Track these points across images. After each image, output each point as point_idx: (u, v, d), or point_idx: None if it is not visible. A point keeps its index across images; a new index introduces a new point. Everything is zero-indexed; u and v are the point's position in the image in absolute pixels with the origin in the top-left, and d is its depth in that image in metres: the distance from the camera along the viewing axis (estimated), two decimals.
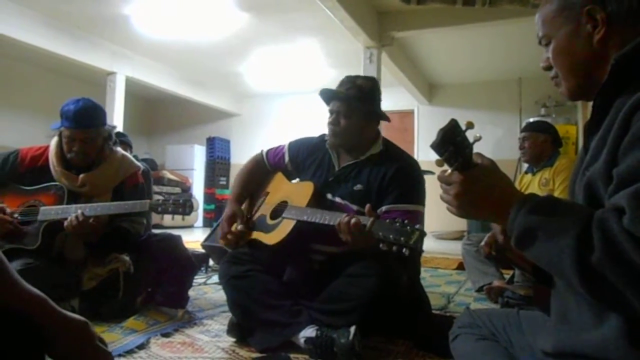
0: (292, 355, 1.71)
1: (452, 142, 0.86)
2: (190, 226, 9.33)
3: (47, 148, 2.31)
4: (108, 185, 2.28)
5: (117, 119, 7.21)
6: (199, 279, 3.27)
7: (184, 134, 10.46)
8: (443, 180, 0.92)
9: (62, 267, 2.16)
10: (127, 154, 2.45)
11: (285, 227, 1.93)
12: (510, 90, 7.95)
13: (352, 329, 1.65)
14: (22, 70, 7.96)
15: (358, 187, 1.99)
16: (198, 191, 9.69)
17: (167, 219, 8.51)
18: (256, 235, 2.03)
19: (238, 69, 8.23)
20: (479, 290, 2.99)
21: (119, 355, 1.67)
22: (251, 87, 9.45)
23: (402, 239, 1.43)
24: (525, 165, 3.36)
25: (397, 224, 1.48)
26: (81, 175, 2.21)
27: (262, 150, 2.34)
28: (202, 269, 3.69)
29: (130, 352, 1.72)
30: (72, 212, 2.06)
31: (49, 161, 2.26)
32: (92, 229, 2.06)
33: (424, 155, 8.86)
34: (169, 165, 9.73)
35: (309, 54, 7.32)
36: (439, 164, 0.90)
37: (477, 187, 0.89)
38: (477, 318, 1.33)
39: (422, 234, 1.45)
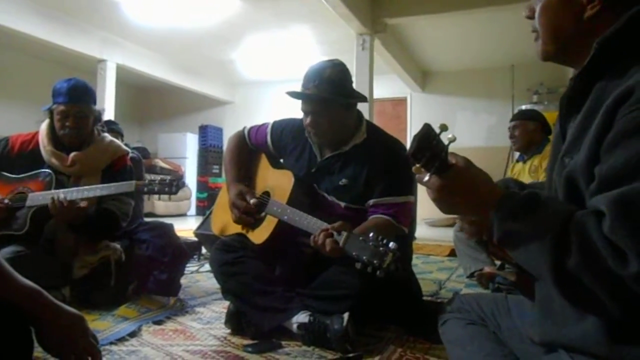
0: (284, 342, 1.72)
1: (428, 148, 0.85)
2: (183, 214, 9.33)
3: (36, 133, 2.32)
4: (97, 165, 2.29)
5: (108, 107, 7.16)
6: (191, 267, 3.28)
7: (176, 122, 10.41)
8: (422, 184, 0.92)
9: (52, 255, 2.16)
10: (115, 139, 2.44)
11: (268, 225, 1.91)
12: (503, 78, 7.94)
13: (346, 315, 1.66)
14: (11, 58, 7.85)
15: (343, 181, 1.93)
16: (191, 179, 9.66)
17: (160, 207, 8.51)
18: (243, 229, 2.01)
19: (230, 56, 8.17)
20: (470, 276, 3.01)
21: (110, 343, 1.67)
22: (244, 75, 9.39)
23: (375, 261, 1.42)
24: (517, 153, 3.37)
25: (371, 243, 1.45)
26: (72, 154, 2.22)
27: (244, 127, 2.25)
28: (195, 256, 3.69)
29: (121, 339, 1.72)
30: (61, 197, 2.06)
31: (39, 144, 2.27)
32: (78, 212, 2.04)
33: None
34: (162, 154, 9.68)
35: (301, 41, 7.28)
36: (416, 171, 0.90)
37: (455, 188, 0.89)
38: (466, 303, 1.34)
39: (396, 256, 1.42)
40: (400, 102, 9.02)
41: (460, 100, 8.55)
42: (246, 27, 6.73)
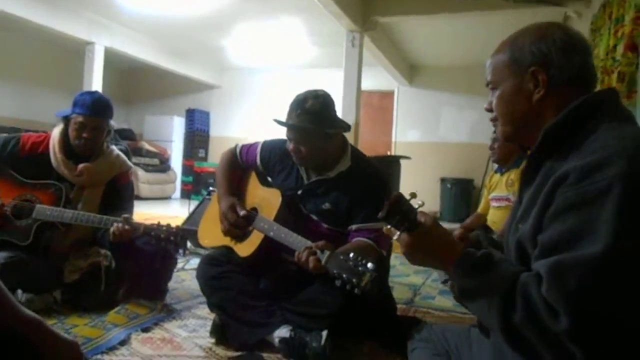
0: (266, 355, 1.84)
1: (398, 212, 1.01)
2: (168, 197, 9.38)
3: (47, 136, 2.39)
4: (103, 178, 2.39)
5: (95, 90, 7.13)
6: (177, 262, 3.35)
7: (163, 104, 10.37)
8: (394, 241, 1.07)
9: (44, 259, 2.23)
10: (121, 153, 2.53)
11: (255, 239, 2.01)
12: None
13: (324, 333, 1.77)
14: None
15: (326, 206, 2.02)
16: (176, 163, 9.70)
17: (145, 190, 8.53)
18: (230, 242, 2.11)
19: (220, 43, 8.16)
20: (445, 282, 3.14)
21: (102, 352, 1.77)
22: (232, 60, 9.38)
23: (353, 280, 1.52)
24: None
25: (351, 263, 1.55)
26: (81, 165, 2.31)
27: (236, 145, 2.34)
28: (180, 251, 3.77)
29: (112, 348, 1.82)
30: (68, 217, 2.15)
31: (49, 149, 2.34)
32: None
33: (402, 136, 9.01)
34: (148, 136, 9.68)
35: (292, 32, 7.30)
36: (387, 231, 1.06)
37: (422, 246, 1.05)
38: (433, 334, 1.47)
39: (372, 277, 1.52)
40: (387, 95, 9.11)
41: (446, 95, 8.68)
42: (237, 16, 6.73)
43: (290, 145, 2.04)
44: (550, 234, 0.91)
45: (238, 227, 2.07)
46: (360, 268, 1.55)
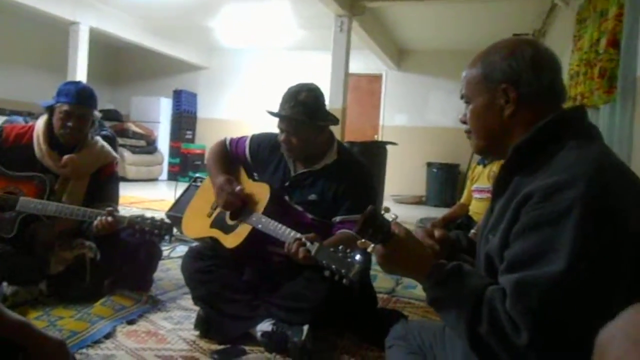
0: (248, 348, 1.89)
1: (371, 226, 1.06)
2: (155, 179, 9.35)
3: (31, 127, 2.39)
4: (87, 169, 2.40)
5: (80, 71, 7.04)
6: (164, 249, 3.38)
7: (149, 85, 10.23)
8: (369, 252, 1.12)
9: (30, 251, 2.25)
10: (106, 144, 2.52)
11: (242, 232, 2.04)
12: None
13: (305, 328, 1.83)
14: None
15: (312, 197, 2.08)
16: (163, 144, 9.64)
17: (131, 172, 8.51)
18: (216, 233, 2.14)
19: (208, 23, 8.06)
20: None
21: (87, 346, 1.81)
22: (220, 41, 9.28)
23: (342, 271, 1.57)
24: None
25: (340, 254, 1.60)
26: (65, 157, 2.31)
27: (225, 138, 2.38)
28: (166, 238, 3.79)
29: (97, 341, 1.86)
30: (52, 209, 2.16)
31: (32, 139, 2.33)
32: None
33: (389, 120, 9.03)
34: (134, 117, 9.58)
35: (279, 14, 7.23)
36: (361, 245, 1.11)
37: (395, 256, 1.09)
38: (409, 332, 1.52)
39: (361, 269, 1.57)
40: (375, 79, 9.09)
41: (434, 80, 8.68)
42: None
43: (281, 136, 2.09)
44: (515, 250, 0.96)
45: (237, 197, 2.09)
46: (349, 259, 1.61)
